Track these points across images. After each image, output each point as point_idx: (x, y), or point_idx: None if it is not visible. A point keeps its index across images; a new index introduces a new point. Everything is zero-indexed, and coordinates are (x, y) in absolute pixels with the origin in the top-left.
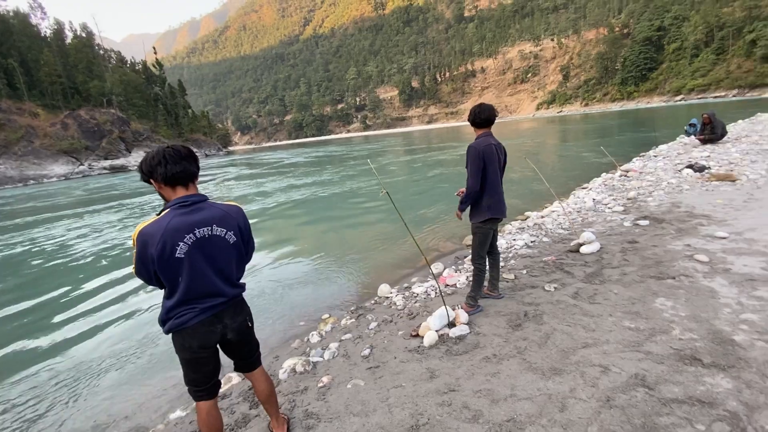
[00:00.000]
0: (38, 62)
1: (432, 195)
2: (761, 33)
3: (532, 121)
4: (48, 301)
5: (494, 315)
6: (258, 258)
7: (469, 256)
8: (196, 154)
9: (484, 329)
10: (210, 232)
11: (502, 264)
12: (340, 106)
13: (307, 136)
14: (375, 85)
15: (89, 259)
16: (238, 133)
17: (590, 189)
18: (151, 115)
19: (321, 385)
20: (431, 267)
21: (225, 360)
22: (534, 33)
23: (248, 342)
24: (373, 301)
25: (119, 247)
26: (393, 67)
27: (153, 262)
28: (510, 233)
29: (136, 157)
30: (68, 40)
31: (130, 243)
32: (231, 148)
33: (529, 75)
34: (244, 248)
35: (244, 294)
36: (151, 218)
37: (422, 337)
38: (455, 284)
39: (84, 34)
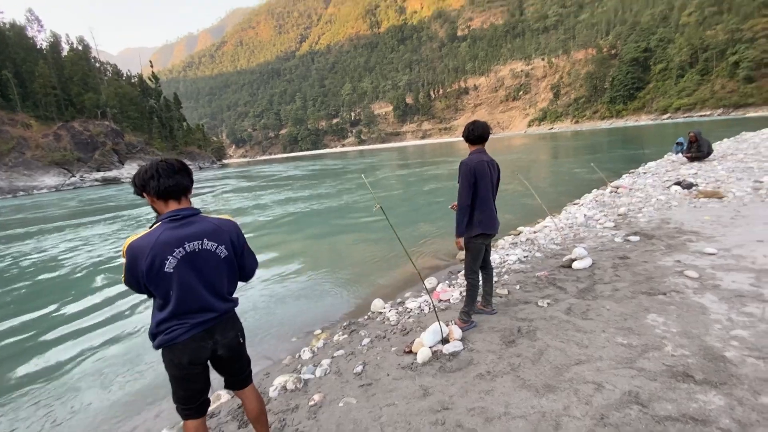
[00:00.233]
0: (33, 74)
1: (426, 209)
2: (743, 55)
3: (524, 138)
4: (35, 317)
5: (488, 331)
6: None
7: (463, 271)
8: (190, 166)
9: (477, 345)
10: (200, 246)
11: (495, 279)
12: (335, 121)
13: (301, 150)
14: (370, 101)
15: (79, 274)
16: (233, 146)
17: (582, 205)
18: (146, 128)
19: (312, 403)
20: (425, 282)
21: (214, 377)
22: (525, 52)
23: (239, 358)
24: (366, 317)
25: (113, 261)
26: (388, 83)
27: (142, 275)
28: (503, 248)
29: (129, 169)
30: (65, 53)
31: (121, 255)
32: (225, 161)
33: (521, 93)
34: (238, 262)
35: (236, 309)
36: (142, 231)
37: (415, 353)
38: (449, 299)
39: (80, 47)
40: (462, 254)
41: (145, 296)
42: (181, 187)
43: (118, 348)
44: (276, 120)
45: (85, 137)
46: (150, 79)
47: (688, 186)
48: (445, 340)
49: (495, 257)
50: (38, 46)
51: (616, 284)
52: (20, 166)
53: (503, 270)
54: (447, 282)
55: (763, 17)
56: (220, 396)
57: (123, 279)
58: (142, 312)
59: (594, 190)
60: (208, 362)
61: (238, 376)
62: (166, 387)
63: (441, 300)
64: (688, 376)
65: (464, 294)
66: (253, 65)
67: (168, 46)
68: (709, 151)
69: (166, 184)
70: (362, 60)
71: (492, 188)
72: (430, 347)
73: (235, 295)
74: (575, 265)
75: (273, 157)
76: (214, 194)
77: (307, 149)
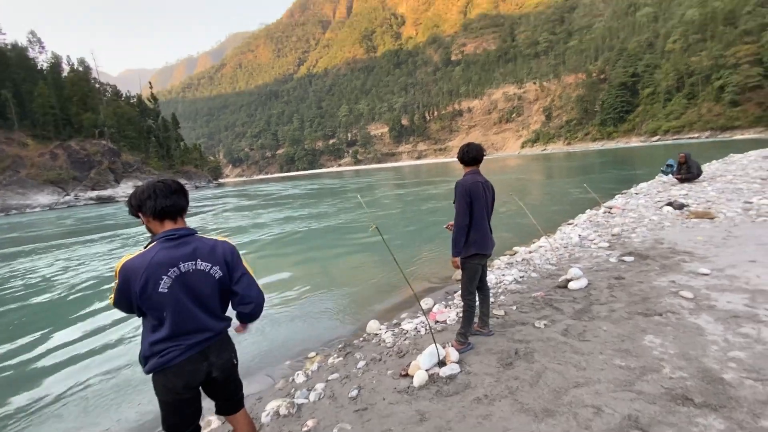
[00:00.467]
0: (32, 94)
1: (422, 229)
2: (728, 80)
3: (518, 159)
4: (22, 343)
5: (485, 353)
6: None
7: (459, 292)
8: (186, 185)
9: (474, 368)
10: (194, 267)
11: (492, 300)
12: (331, 141)
13: (298, 170)
14: (366, 122)
15: (70, 295)
16: (230, 166)
17: (576, 225)
18: (143, 147)
19: (306, 429)
20: (421, 303)
21: (204, 402)
22: (517, 76)
23: (233, 381)
24: (361, 338)
25: (107, 281)
26: (384, 105)
27: (136, 297)
28: (499, 268)
29: (124, 188)
30: (65, 74)
31: (113, 275)
32: (222, 180)
33: (514, 115)
34: (230, 283)
35: (228, 330)
36: (137, 251)
37: (412, 376)
38: (445, 320)
39: (81, 68)
40: (458, 274)
41: (135, 317)
42: (177, 208)
43: (105, 374)
44: (273, 140)
45: (81, 156)
46: (149, 100)
47: (680, 207)
48: (441, 363)
49: (491, 277)
50: (39, 67)
51: (613, 305)
52: (14, 184)
53: (500, 290)
54: (443, 303)
55: (745, 44)
56: (210, 422)
57: (111, 299)
58: (132, 335)
59: (588, 211)
60: (200, 387)
61: (231, 400)
62: (154, 413)
63: (437, 321)
64: (688, 399)
65: (461, 315)
66: (252, 87)
67: (168, 68)
68: (699, 173)
69: (162, 204)
70: (359, 83)
71: (487, 209)
72: (426, 370)
73: (228, 315)
74: (571, 285)
75: (269, 176)
76: (214, 213)
77: (304, 169)
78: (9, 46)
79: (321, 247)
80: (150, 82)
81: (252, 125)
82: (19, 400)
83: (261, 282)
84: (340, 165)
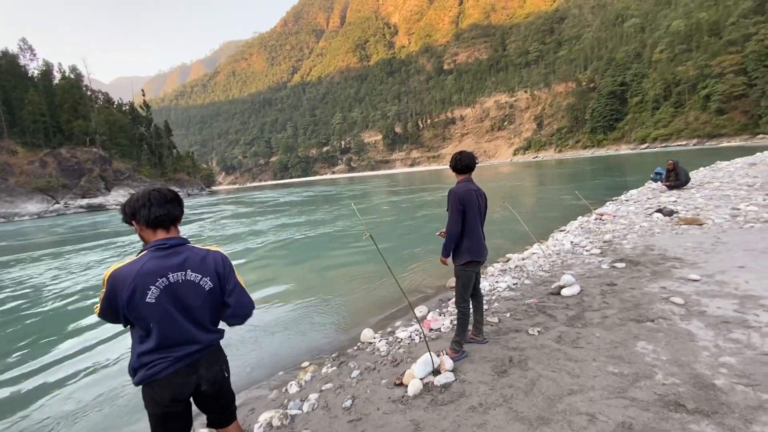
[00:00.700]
0: (22, 101)
1: (416, 236)
2: (714, 89)
3: (510, 166)
4: (12, 352)
5: (479, 361)
6: None
7: (453, 299)
8: (179, 193)
9: (469, 376)
10: (183, 277)
11: (485, 307)
12: (325, 149)
13: (292, 177)
14: (360, 130)
15: (57, 304)
16: (223, 173)
17: (568, 232)
18: (135, 155)
19: None
20: (415, 311)
21: (194, 414)
22: (508, 85)
23: (224, 394)
24: (356, 347)
25: (96, 291)
26: (377, 113)
27: (123, 306)
28: (492, 275)
29: (115, 196)
30: (56, 81)
31: (101, 283)
32: (214, 188)
33: (506, 123)
34: (222, 296)
35: (221, 341)
36: (127, 260)
37: (406, 385)
38: (440, 328)
39: (72, 76)
40: (452, 282)
41: (122, 328)
42: (171, 217)
43: (91, 386)
44: (267, 148)
45: (71, 164)
46: (141, 107)
47: (669, 213)
48: (436, 371)
49: (485, 284)
50: (30, 74)
51: (605, 311)
52: (2, 192)
53: (493, 297)
54: (438, 310)
55: (730, 54)
56: None
57: (97, 309)
58: (122, 345)
59: (579, 217)
60: (191, 399)
61: (222, 413)
62: (141, 424)
63: (432, 329)
64: (680, 405)
65: (455, 323)
66: (245, 95)
67: (161, 76)
68: (687, 180)
69: (156, 213)
70: (352, 91)
71: (479, 216)
72: (421, 379)
73: (220, 327)
74: (564, 292)
75: (263, 183)
76: (212, 220)
77: (298, 176)
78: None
79: (315, 255)
80: (143, 90)
81: (245, 133)
82: (3, 411)
83: (254, 291)
84: (333, 172)
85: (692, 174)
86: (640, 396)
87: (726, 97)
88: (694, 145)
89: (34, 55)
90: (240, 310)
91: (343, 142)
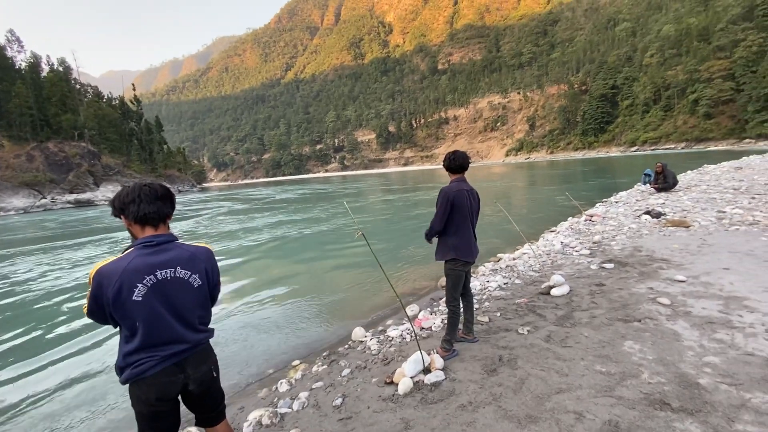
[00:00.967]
0: (9, 93)
1: (409, 235)
2: (702, 93)
3: (503, 167)
4: None
5: (469, 360)
6: (226, 300)
7: (444, 298)
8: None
9: (459, 375)
10: (173, 274)
11: (476, 306)
12: (318, 147)
13: (284, 175)
14: (353, 128)
15: (45, 301)
16: (214, 170)
17: (558, 232)
18: (125, 150)
19: None
20: (406, 309)
21: (183, 413)
22: (502, 86)
23: (212, 394)
24: (346, 346)
25: (83, 288)
26: (371, 112)
27: (108, 304)
28: (483, 275)
29: (104, 192)
30: (44, 74)
31: (87, 281)
32: (206, 185)
33: (498, 124)
34: (210, 293)
35: (210, 340)
36: (113, 257)
37: (397, 384)
38: (431, 327)
39: (61, 68)
40: (443, 281)
41: (111, 327)
42: (161, 214)
43: (78, 385)
44: (259, 145)
45: (59, 158)
46: (132, 102)
47: (657, 215)
48: (426, 370)
49: (476, 284)
50: (17, 66)
51: (594, 311)
52: None
53: (484, 297)
54: (429, 309)
55: (718, 60)
56: None
57: (85, 309)
58: (108, 345)
59: (570, 218)
60: (179, 397)
61: (210, 413)
62: (131, 426)
63: (423, 328)
64: (665, 403)
65: (446, 321)
66: (238, 91)
67: (152, 70)
68: (675, 182)
69: (145, 210)
70: (346, 89)
71: (471, 217)
72: (411, 377)
73: (210, 326)
74: (554, 292)
75: (255, 181)
76: (210, 217)
77: (290, 174)
78: None
79: (308, 253)
80: (133, 84)
81: (238, 129)
82: None
83: (246, 289)
84: (326, 170)
85: (680, 177)
86: (626, 395)
87: (714, 101)
88: (683, 148)
89: (22, 47)
90: (214, 303)
91: (336, 141)
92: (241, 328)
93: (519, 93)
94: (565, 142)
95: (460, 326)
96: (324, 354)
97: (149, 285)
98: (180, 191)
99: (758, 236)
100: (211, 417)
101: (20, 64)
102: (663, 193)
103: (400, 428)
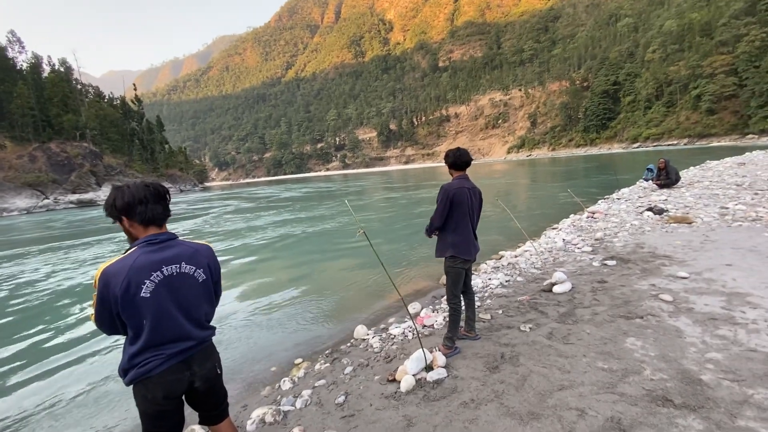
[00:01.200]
0: (11, 94)
1: (410, 233)
2: (705, 89)
3: (504, 164)
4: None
5: (471, 357)
6: (229, 298)
7: (445, 296)
8: (171, 189)
9: (461, 372)
10: (178, 270)
11: (478, 304)
12: (319, 145)
13: (285, 173)
14: (354, 127)
15: (47, 303)
16: (216, 169)
17: (560, 229)
18: (126, 150)
19: None
20: (408, 307)
21: (186, 412)
22: (503, 83)
23: (217, 391)
24: (349, 344)
25: (88, 289)
26: (372, 110)
27: (116, 303)
28: (485, 272)
29: (106, 192)
30: (46, 74)
31: (93, 285)
32: (207, 184)
33: (500, 121)
34: (213, 287)
35: (213, 338)
36: (116, 257)
37: (399, 381)
38: (433, 324)
39: (62, 69)
40: (445, 278)
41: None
42: (167, 213)
43: (82, 385)
44: (260, 144)
45: (61, 159)
46: (133, 102)
47: (660, 212)
48: (429, 367)
49: (478, 281)
50: (18, 67)
51: (596, 308)
52: None
53: (486, 294)
54: (431, 307)
55: (721, 55)
56: (193, 431)
57: (92, 317)
58: (112, 344)
59: (571, 215)
60: (183, 397)
61: (215, 410)
62: (132, 426)
63: (425, 325)
64: (668, 400)
65: (447, 319)
66: (239, 90)
67: (153, 70)
68: (677, 179)
69: (154, 210)
70: (347, 87)
71: (472, 215)
72: (413, 375)
73: (212, 324)
74: (555, 289)
75: (256, 180)
76: (216, 215)
77: (292, 173)
78: None
79: (310, 251)
80: (134, 84)
81: (239, 129)
82: None
83: (248, 287)
84: (328, 169)
85: (682, 173)
86: (628, 391)
87: (716, 97)
88: (685, 144)
89: (23, 47)
90: (217, 301)
91: (337, 139)
92: (244, 326)
93: (520, 90)
94: (567, 138)
95: (462, 324)
96: (326, 352)
97: (156, 281)
98: (182, 191)
99: (761, 232)
100: (215, 415)
101: (21, 65)
102: (665, 190)
103: (403, 425)
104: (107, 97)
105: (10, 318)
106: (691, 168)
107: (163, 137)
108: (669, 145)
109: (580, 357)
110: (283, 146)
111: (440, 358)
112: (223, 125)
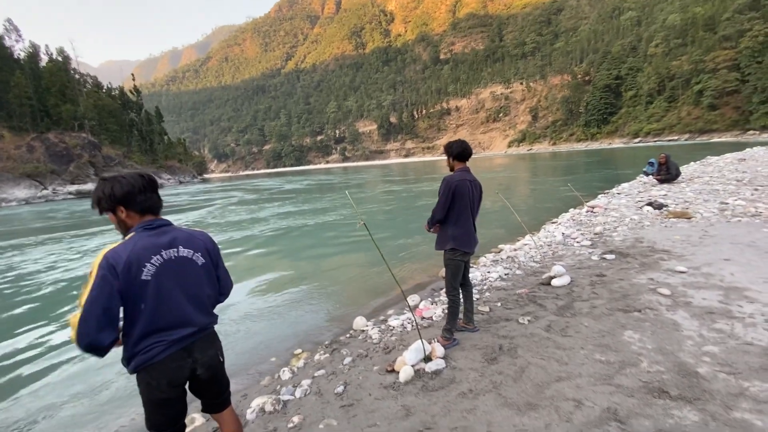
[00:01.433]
0: (8, 84)
1: (411, 226)
2: (707, 84)
3: (505, 158)
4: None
5: (470, 348)
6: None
7: (444, 288)
8: (170, 180)
9: (460, 363)
10: (177, 253)
11: (477, 296)
12: (319, 138)
13: (285, 166)
14: (354, 119)
15: (48, 294)
16: (215, 161)
17: (560, 223)
18: (125, 141)
19: (291, 425)
20: (408, 299)
21: (188, 399)
22: (504, 76)
23: (219, 379)
24: (348, 335)
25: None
26: (372, 102)
27: (118, 287)
28: (484, 265)
29: None
30: (43, 64)
31: (90, 273)
32: (206, 176)
33: (501, 114)
34: (215, 272)
35: (214, 327)
36: (115, 243)
37: (398, 372)
38: (431, 317)
39: (60, 58)
40: (444, 271)
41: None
42: (161, 202)
43: (77, 377)
44: (260, 135)
45: (60, 149)
46: (131, 92)
47: (659, 207)
48: (427, 358)
49: (477, 274)
50: (16, 56)
51: (594, 301)
52: None
53: (485, 287)
54: (430, 299)
55: (724, 50)
56: (194, 419)
57: (75, 318)
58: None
59: (571, 209)
60: (186, 385)
61: (217, 399)
62: (133, 411)
63: (424, 317)
64: (664, 392)
65: (446, 311)
66: (238, 81)
67: (151, 60)
68: (678, 174)
69: (153, 198)
70: (347, 79)
71: (472, 207)
72: (412, 366)
73: (214, 312)
74: (554, 282)
75: (256, 172)
76: (220, 207)
77: (291, 165)
78: None
79: (311, 243)
80: (133, 74)
81: (238, 120)
82: None
83: (249, 278)
84: (327, 162)
85: (683, 168)
86: (625, 383)
87: (718, 92)
88: (686, 140)
89: (20, 36)
90: (225, 288)
91: (337, 131)
92: (244, 316)
93: (522, 83)
94: (568, 133)
95: (461, 316)
96: (326, 343)
97: (157, 264)
98: (181, 182)
99: (760, 228)
100: (218, 403)
101: (19, 54)
102: (665, 185)
103: (402, 415)
104: (106, 87)
105: (11, 312)
106: (692, 163)
107: (161, 128)
108: (670, 140)
109: (578, 349)
110: (283, 138)
111: (439, 350)
112: (222, 117)
